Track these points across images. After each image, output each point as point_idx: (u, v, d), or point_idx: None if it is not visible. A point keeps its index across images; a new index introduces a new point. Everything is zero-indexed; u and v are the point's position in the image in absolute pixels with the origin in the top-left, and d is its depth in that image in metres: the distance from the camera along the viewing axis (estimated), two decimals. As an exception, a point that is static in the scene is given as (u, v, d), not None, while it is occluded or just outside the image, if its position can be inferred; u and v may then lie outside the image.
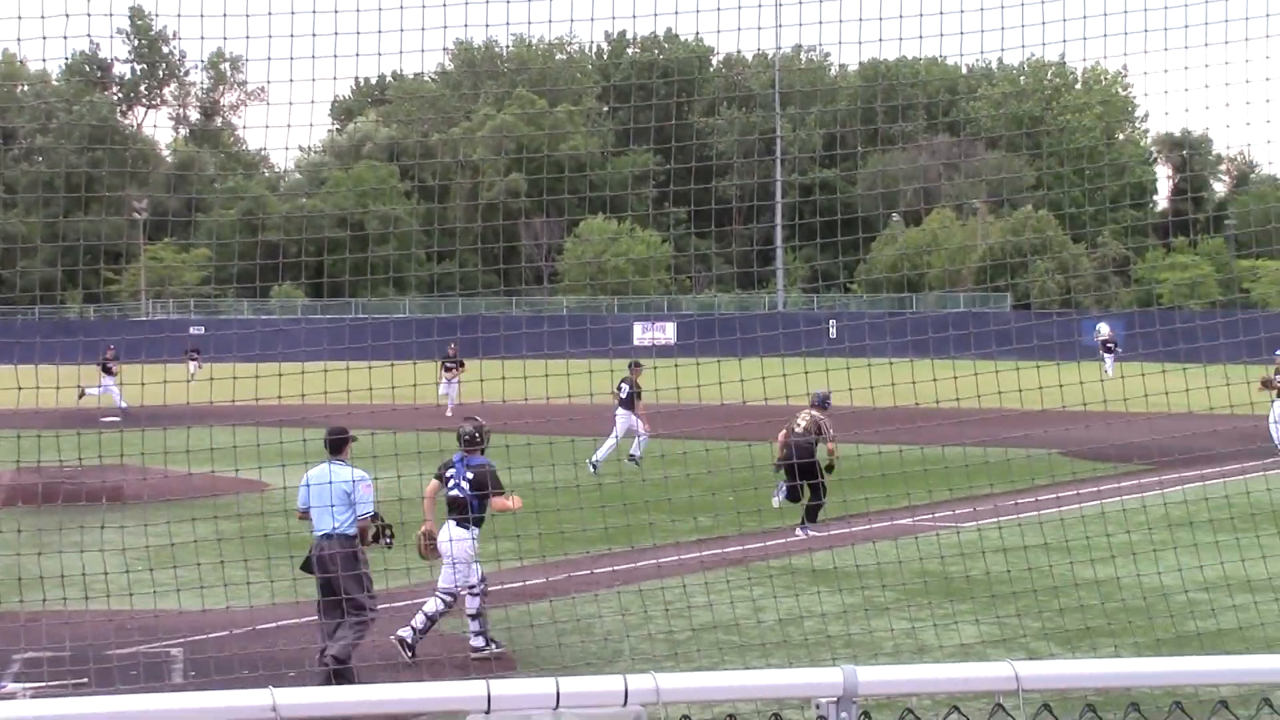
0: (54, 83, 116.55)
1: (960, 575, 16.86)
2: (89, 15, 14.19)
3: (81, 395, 41.36)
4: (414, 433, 19.40)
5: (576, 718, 4.22)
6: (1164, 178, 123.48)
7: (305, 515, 14.14)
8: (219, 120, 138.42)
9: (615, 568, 18.03)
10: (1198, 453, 24.63)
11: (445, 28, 15.66)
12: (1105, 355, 54.78)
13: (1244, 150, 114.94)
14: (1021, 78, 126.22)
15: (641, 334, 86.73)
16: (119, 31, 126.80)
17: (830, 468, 22.67)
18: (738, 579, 17.23)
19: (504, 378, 15.48)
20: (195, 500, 20.43)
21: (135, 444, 15.74)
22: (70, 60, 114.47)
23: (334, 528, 13.76)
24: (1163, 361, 20.15)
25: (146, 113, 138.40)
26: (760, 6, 16.20)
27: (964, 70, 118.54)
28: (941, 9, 15.86)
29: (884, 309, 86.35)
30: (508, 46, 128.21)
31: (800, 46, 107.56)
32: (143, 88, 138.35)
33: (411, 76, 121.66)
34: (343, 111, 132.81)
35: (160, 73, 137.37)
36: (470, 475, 14.99)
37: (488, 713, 4.14)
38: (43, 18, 13.94)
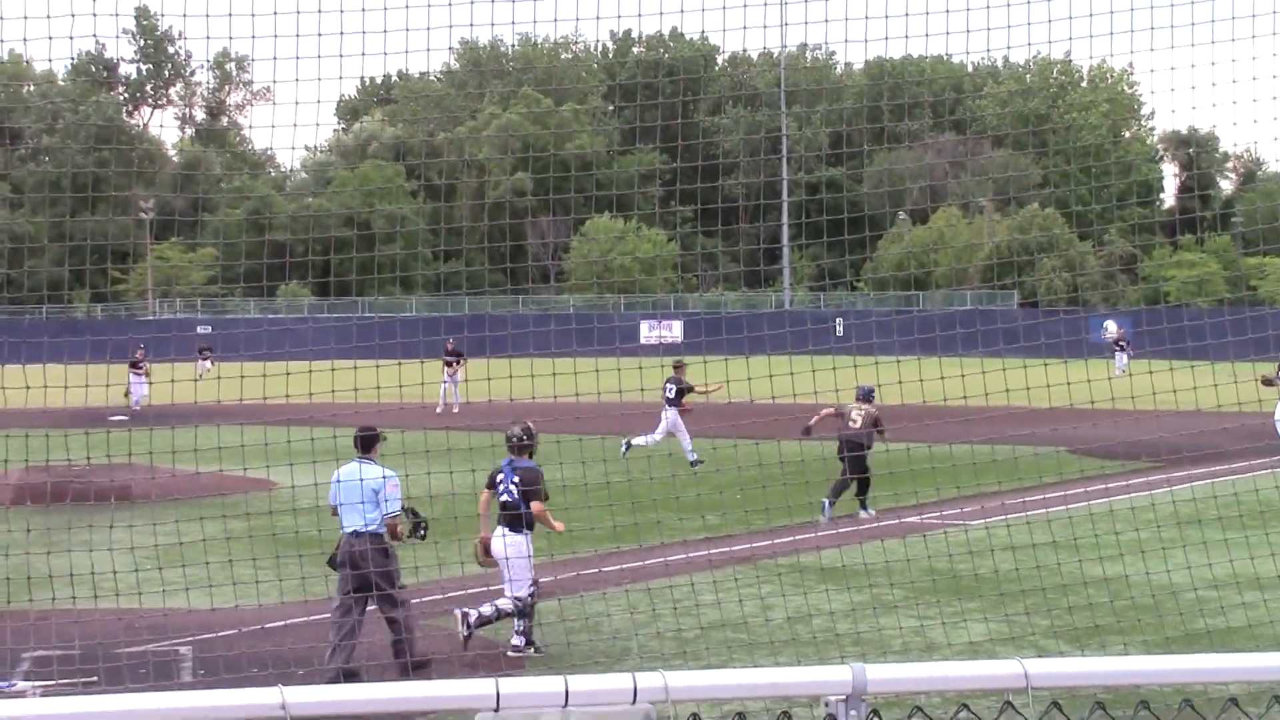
0: (60, 83, 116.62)
1: (969, 573, 16.85)
2: (95, 15, 14.22)
3: (128, 394, 41.67)
4: (421, 431, 19.42)
5: (585, 716, 4.22)
6: (1170, 175, 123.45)
7: (336, 512, 14.23)
8: (225, 120, 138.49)
9: (623, 566, 18.04)
10: (1206, 450, 24.61)
11: (450, 27, 15.71)
12: (1118, 353, 54.63)
13: (1251, 147, 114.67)
14: (1027, 76, 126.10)
15: (648, 333, 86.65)
16: (125, 31, 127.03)
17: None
18: (746, 577, 17.23)
19: (511, 376, 15.48)
20: (203, 499, 20.47)
21: (143, 443, 15.76)
22: (76, 60, 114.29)
23: (363, 525, 13.85)
24: (1170, 359, 20.10)
25: (153, 113, 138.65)
26: (765, 5, 16.17)
27: (970, 68, 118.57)
28: (947, 7, 15.86)
29: (891, 307, 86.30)
30: (513, 46, 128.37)
31: (806, 45, 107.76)
32: (149, 87, 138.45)
33: (417, 76, 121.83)
34: (348, 111, 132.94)
35: (166, 72, 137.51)
36: (517, 479, 14.96)
37: (497, 711, 4.14)
38: (49, 18, 13.97)
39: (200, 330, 75.93)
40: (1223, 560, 15.56)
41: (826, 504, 22.62)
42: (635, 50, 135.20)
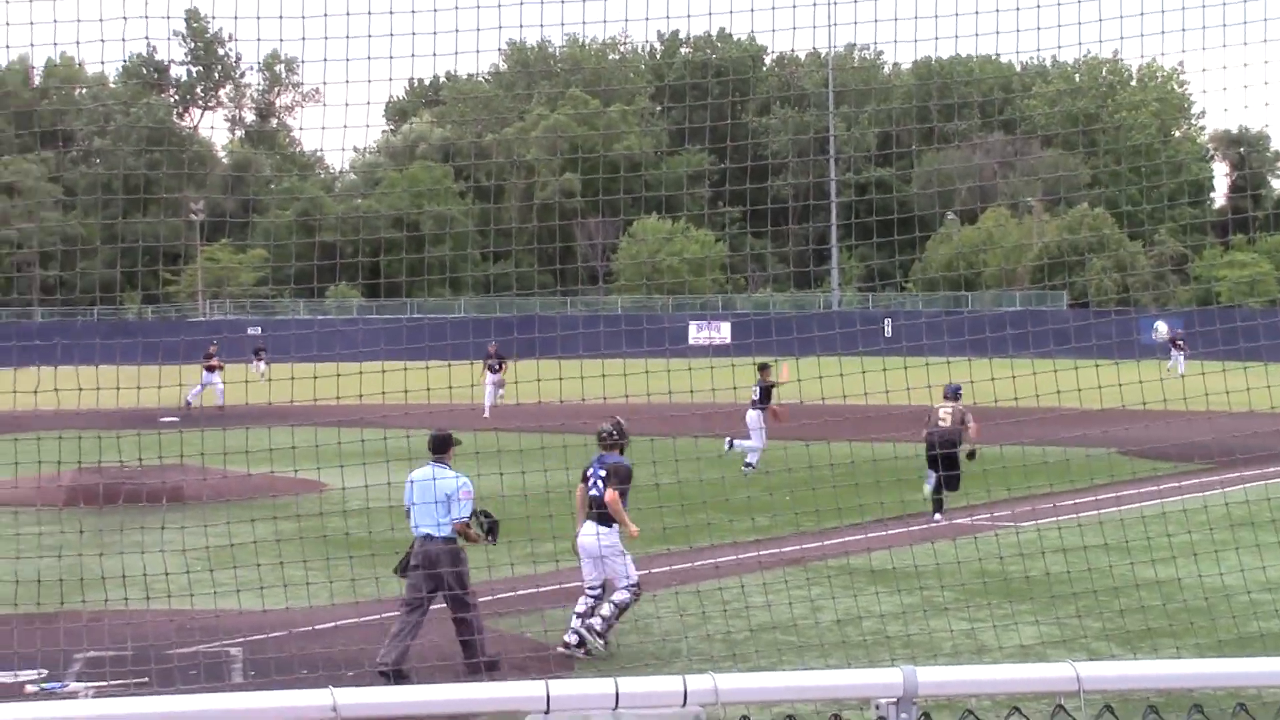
0: (111, 85, 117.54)
1: (1019, 575, 16.76)
2: (146, 18, 14.31)
3: (188, 406, 41.63)
4: (471, 433, 19.44)
5: (635, 718, 4.22)
6: (1221, 175, 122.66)
7: (409, 514, 14.31)
8: (274, 122, 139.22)
9: (673, 567, 18.03)
10: (1259, 452, 24.43)
11: (499, 28, 15.69)
12: (1175, 353, 54.21)
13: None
14: (1076, 75, 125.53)
15: (697, 333, 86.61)
16: (175, 34, 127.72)
17: (971, 455, 23.21)
18: (795, 579, 17.20)
19: (560, 378, 15.49)
20: (254, 500, 20.55)
21: (194, 444, 15.84)
22: (127, 63, 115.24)
23: (436, 529, 13.96)
24: (1223, 360, 19.95)
25: (203, 114, 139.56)
26: (814, 5, 16.12)
27: (1018, 68, 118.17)
28: (997, 6, 15.79)
29: (940, 308, 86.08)
30: (561, 46, 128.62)
31: (853, 45, 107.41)
32: (199, 90, 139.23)
33: (465, 77, 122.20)
34: (397, 112, 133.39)
35: (216, 75, 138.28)
36: (603, 473, 15.00)
37: (547, 713, 4.14)
38: (100, 20, 14.06)
39: (251, 332, 76.34)
40: (1276, 563, 15.45)
41: (937, 517, 22.47)
42: (683, 51, 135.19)
